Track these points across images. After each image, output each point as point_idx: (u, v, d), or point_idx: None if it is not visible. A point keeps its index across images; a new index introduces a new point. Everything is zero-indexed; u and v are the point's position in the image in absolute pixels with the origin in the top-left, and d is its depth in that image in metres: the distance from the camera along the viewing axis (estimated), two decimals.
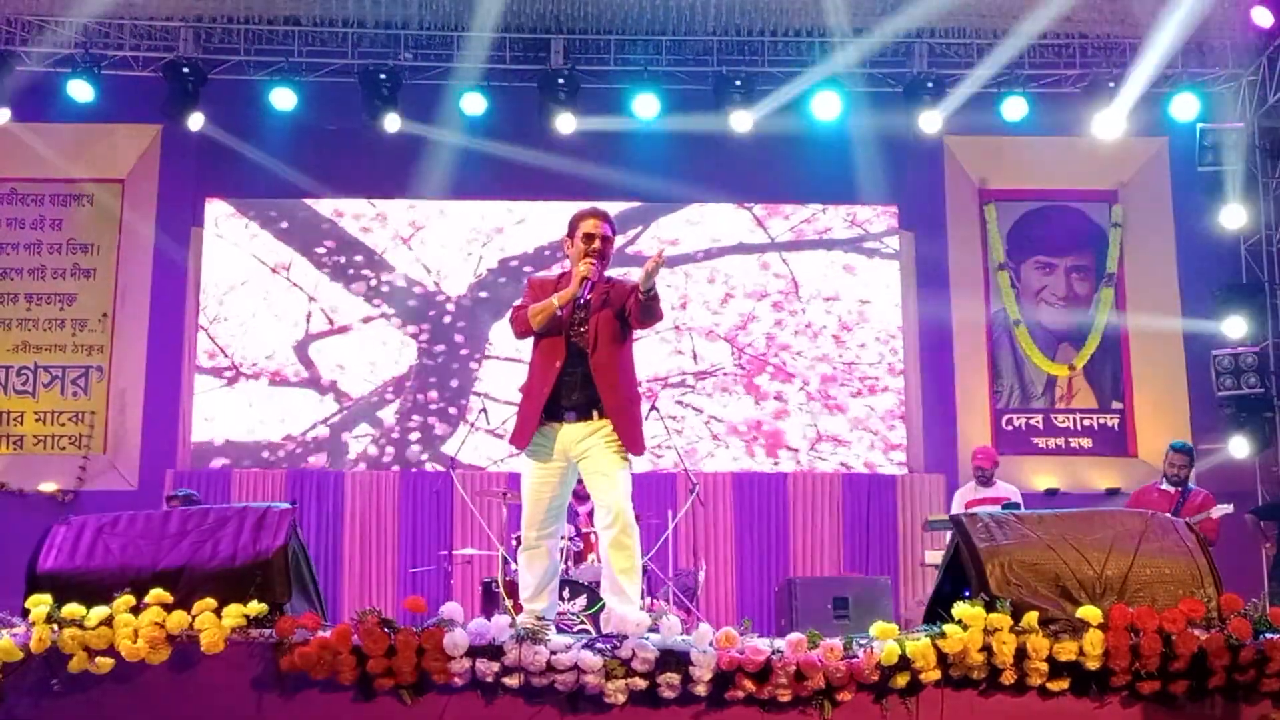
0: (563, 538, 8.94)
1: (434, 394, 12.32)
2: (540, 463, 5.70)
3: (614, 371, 5.70)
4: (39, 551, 5.19)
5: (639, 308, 5.63)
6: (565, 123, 11.80)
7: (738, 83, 11.73)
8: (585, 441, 5.63)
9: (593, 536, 9.09)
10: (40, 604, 4.89)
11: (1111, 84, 11.77)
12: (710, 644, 4.85)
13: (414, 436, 12.25)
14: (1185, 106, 11.94)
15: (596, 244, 5.77)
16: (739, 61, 12.01)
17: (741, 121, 11.78)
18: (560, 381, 5.68)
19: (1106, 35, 12.03)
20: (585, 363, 5.68)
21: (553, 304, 5.67)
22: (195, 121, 11.68)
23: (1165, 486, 9.41)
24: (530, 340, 5.85)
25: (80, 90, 11.49)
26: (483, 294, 12.51)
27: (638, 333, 5.90)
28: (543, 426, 5.68)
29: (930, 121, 11.86)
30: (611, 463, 5.61)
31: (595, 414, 5.64)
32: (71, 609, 4.86)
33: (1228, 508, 9.15)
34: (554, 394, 5.68)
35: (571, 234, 5.85)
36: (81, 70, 11.45)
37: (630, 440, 5.64)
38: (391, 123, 11.72)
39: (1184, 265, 12.47)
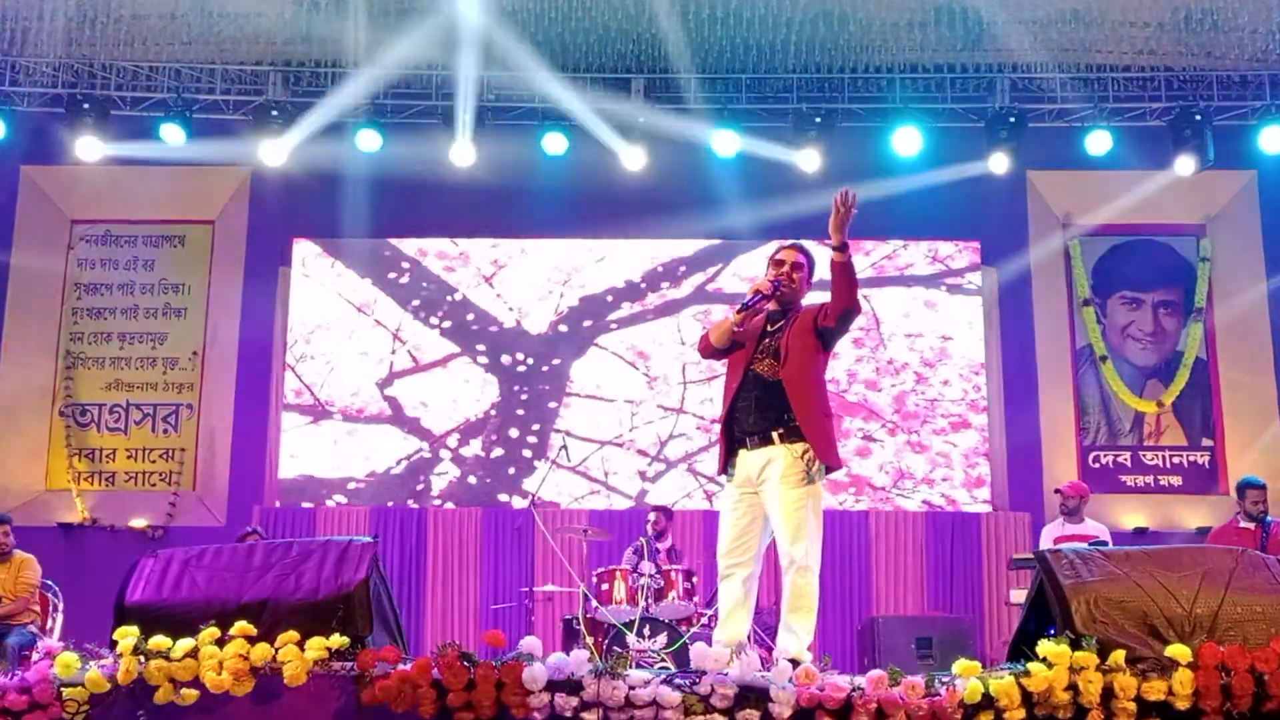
0: (644, 575, 8.98)
1: (515, 431, 12.39)
2: (729, 488, 5.82)
3: (804, 387, 5.71)
4: (127, 584, 5.27)
5: (832, 293, 5.68)
6: (638, 159, 11.89)
7: (817, 119, 11.72)
8: (764, 471, 5.68)
9: (673, 574, 9.07)
10: (127, 636, 4.96)
11: (1198, 117, 11.61)
12: (790, 680, 4.81)
13: (495, 473, 12.33)
14: (1274, 139, 11.74)
15: (785, 269, 5.95)
16: (818, 99, 11.99)
17: (810, 160, 11.75)
18: (735, 406, 5.79)
19: (1191, 67, 11.87)
20: (763, 387, 5.73)
21: (729, 319, 5.81)
22: (276, 158, 11.84)
23: (1244, 523, 9.20)
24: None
25: (173, 134, 11.72)
26: (563, 330, 12.59)
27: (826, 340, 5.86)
28: (732, 455, 5.79)
29: (999, 162, 11.78)
30: (786, 499, 5.59)
31: (776, 438, 5.67)
32: (158, 641, 4.92)
33: None
34: (731, 419, 5.79)
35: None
36: (174, 114, 11.70)
37: (824, 451, 5.63)
38: (466, 156, 11.81)
39: (1275, 299, 12.23)
